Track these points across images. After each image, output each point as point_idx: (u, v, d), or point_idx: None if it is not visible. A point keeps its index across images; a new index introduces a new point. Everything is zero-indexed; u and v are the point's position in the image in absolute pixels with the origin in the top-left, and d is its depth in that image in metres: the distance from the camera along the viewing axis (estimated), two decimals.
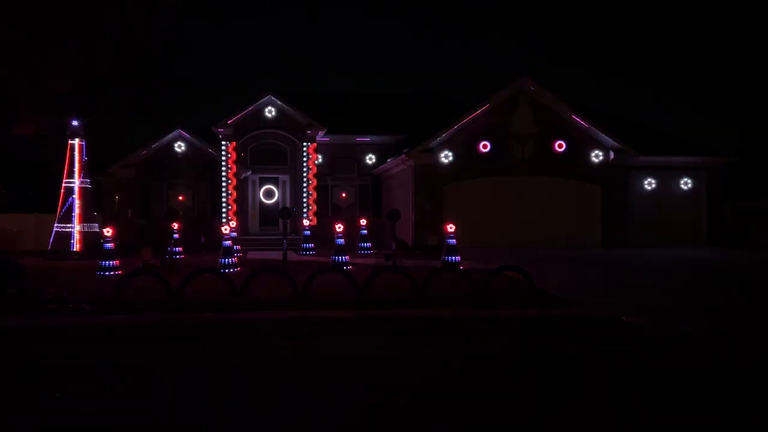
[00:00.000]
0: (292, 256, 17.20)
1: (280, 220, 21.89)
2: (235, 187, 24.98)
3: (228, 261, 14.46)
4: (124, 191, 26.44)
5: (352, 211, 27.27)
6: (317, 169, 25.88)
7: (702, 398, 5.60)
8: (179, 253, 18.19)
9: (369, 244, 20.10)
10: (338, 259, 15.14)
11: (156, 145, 26.22)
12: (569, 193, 22.98)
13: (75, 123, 20.10)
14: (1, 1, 22.23)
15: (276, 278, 10.74)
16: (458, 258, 14.73)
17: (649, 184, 23.72)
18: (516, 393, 5.78)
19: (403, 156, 22.70)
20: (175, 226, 18.53)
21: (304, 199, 25.15)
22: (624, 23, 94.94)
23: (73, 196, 19.94)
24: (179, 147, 26.30)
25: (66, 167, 20.13)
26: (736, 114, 77.30)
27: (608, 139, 22.83)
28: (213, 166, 25.64)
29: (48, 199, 27.65)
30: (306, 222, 21.16)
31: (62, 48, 23.07)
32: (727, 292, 11.65)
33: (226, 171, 24.80)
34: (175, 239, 18.14)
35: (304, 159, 25.31)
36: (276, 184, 26.82)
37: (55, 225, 19.88)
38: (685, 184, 23.90)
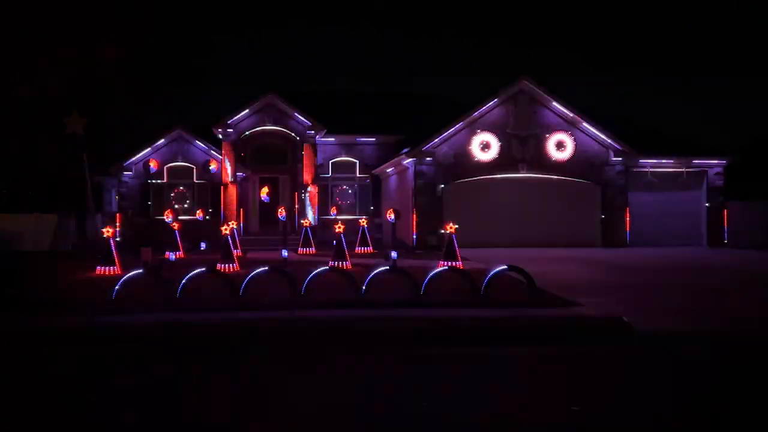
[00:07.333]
0: (292, 256, 17.21)
1: (280, 220, 21.92)
2: (235, 187, 24.98)
3: (227, 261, 14.45)
4: (125, 191, 26.46)
5: (352, 211, 27.27)
6: (317, 169, 25.87)
7: (700, 398, 5.60)
8: (179, 253, 18.18)
9: (369, 244, 20.07)
10: (338, 258, 15.14)
11: (156, 144, 26.23)
12: (569, 192, 22.99)
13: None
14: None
15: (276, 278, 10.74)
16: (458, 258, 14.76)
17: (649, 183, 23.67)
18: (517, 394, 5.78)
19: (403, 156, 22.70)
20: (175, 225, 18.53)
21: (304, 199, 25.14)
22: (624, 23, 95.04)
23: None
24: (179, 147, 26.30)
25: None
26: (736, 114, 77.36)
27: (608, 138, 22.82)
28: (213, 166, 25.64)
29: (47, 198, 27.62)
30: (306, 222, 21.14)
31: (63, 47, 23.09)
32: (727, 292, 11.64)
33: (226, 171, 24.81)
34: (175, 239, 18.10)
35: (304, 159, 25.30)
36: (276, 184, 26.82)
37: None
38: (685, 183, 23.87)
